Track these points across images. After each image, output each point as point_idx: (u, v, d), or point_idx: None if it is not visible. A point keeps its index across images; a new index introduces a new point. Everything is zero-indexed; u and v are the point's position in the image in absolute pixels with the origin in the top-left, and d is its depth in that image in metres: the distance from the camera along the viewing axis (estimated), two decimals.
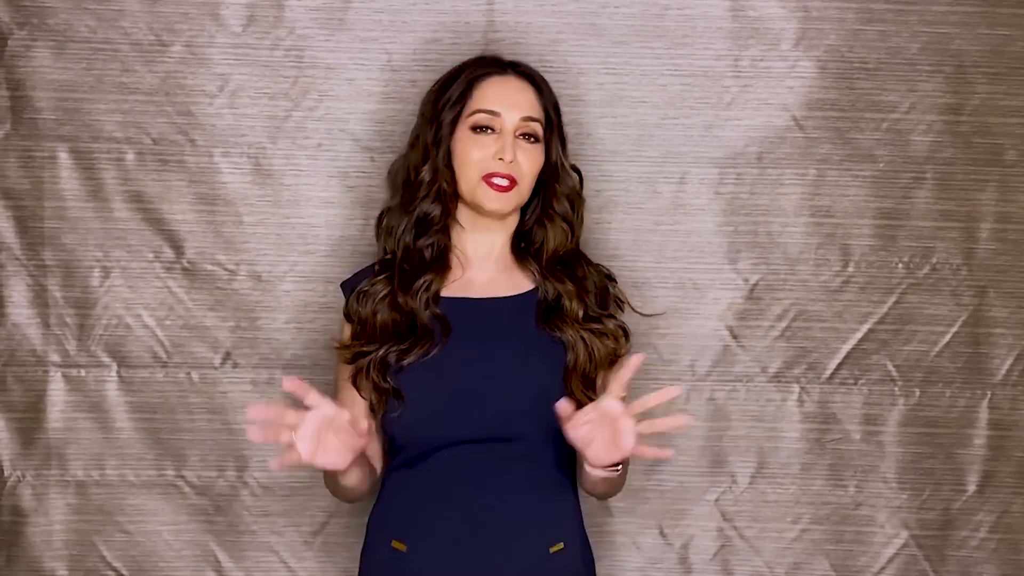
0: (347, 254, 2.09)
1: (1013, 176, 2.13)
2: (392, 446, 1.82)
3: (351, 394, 1.81)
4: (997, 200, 2.13)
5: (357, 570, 1.85)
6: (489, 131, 1.78)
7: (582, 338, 1.78)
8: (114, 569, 2.14)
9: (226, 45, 2.06)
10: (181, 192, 2.08)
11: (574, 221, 1.86)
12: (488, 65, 1.82)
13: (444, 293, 1.82)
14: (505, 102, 1.78)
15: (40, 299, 2.10)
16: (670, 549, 2.17)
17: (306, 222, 2.09)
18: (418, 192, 1.82)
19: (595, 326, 1.80)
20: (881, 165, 2.12)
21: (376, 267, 1.86)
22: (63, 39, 2.05)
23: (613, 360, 1.82)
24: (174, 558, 2.14)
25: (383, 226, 1.88)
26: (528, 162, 1.79)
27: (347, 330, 1.85)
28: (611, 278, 1.89)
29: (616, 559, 2.17)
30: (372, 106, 2.07)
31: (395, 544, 1.76)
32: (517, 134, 1.78)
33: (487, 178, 1.77)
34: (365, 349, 1.78)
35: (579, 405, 1.75)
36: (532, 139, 1.80)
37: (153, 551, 2.14)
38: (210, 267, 2.10)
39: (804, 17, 2.08)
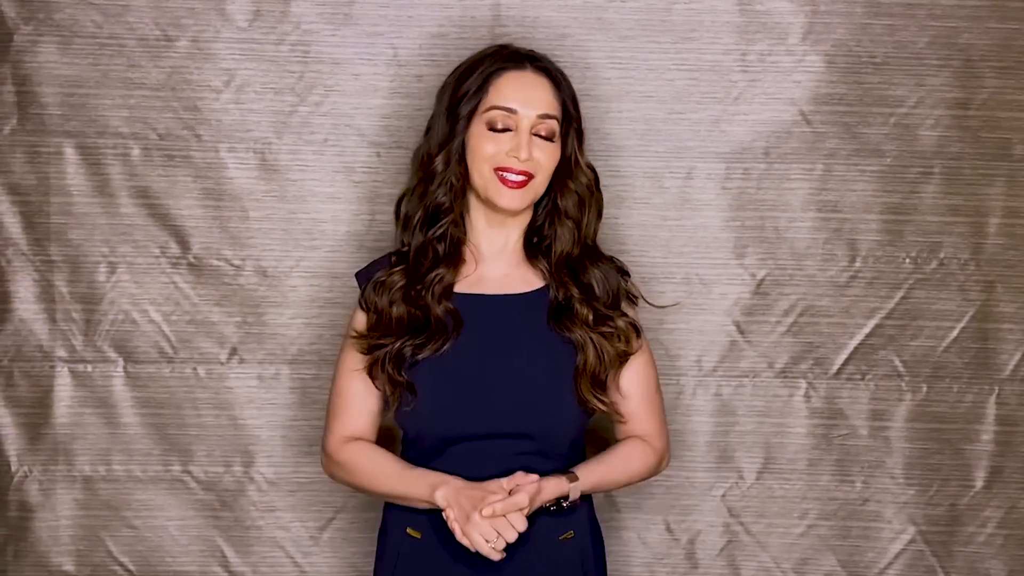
0: (353, 249, 2.09)
1: (1021, 171, 2.12)
2: (405, 439, 1.84)
3: (356, 384, 1.82)
4: (1005, 195, 2.12)
5: (365, 562, 1.87)
6: (505, 129, 1.77)
7: (591, 339, 1.78)
8: (121, 564, 2.14)
9: (232, 40, 2.05)
10: (187, 187, 2.08)
11: (582, 221, 1.85)
12: (506, 59, 1.80)
13: (457, 288, 1.82)
14: (521, 99, 1.76)
15: (47, 294, 2.10)
16: (676, 544, 2.18)
17: (312, 217, 2.09)
18: (432, 182, 1.82)
19: (605, 328, 1.80)
20: (889, 160, 2.11)
21: (392, 258, 1.86)
22: (69, 34, 2.05)
23: (623, 359, 1.82)
24: (181, 553, 2.15)
25: (401, 214, 1.87)
26: (544, 157, 1.78)
27: (360, 318, 1.85)
28: (625, 272, 1.89)
29: (622, 554, 2.17)
30: (378, 101, 2.07)
31: (410, 531, 1.79)
32: (533, 131, 1.77)
33: (500, 173, 1.76)
34: (381, 342, 1.78)
35: (588, 405, 1.78)
36: (548, 136, 1.79)
37: (160, 546, 2.14)
38: (216, 262, 2.10)
39: (812, 11, 2.07)
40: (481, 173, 1.78)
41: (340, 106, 2.07)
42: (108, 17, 2.04)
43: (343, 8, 2.05)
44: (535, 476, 1.70)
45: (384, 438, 1.88)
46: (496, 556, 1.66)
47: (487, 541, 1.65)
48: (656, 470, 1.89)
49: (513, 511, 1.66)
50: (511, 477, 1.70)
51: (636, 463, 1.85)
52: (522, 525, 1.66)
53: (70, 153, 2.07)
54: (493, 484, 1.69)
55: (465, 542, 1.66)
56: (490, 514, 1.64)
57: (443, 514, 1.69)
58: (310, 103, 2.07)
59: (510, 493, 1.67)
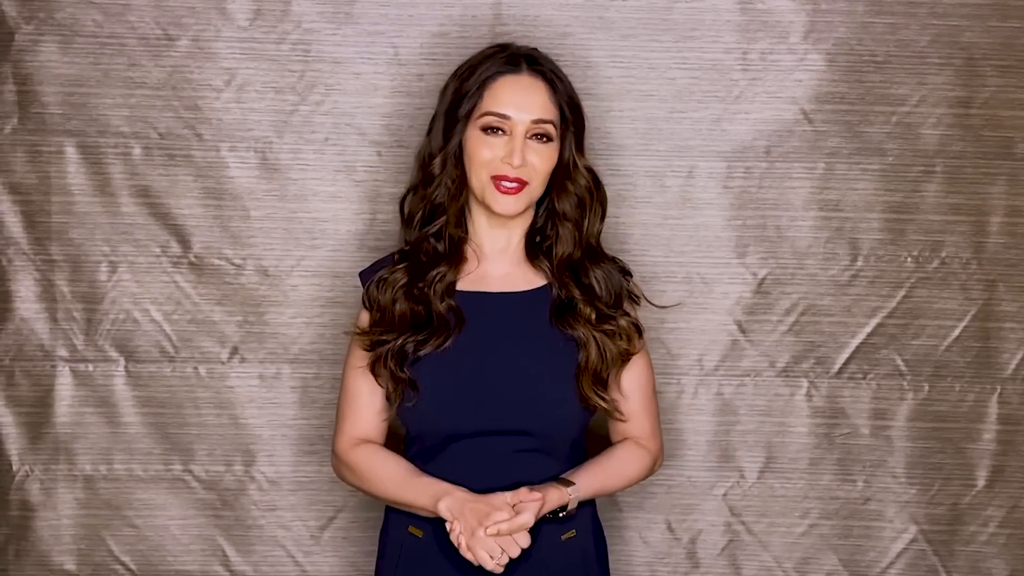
0: (354, 248, 2.09)
1: (1023, 169, 2.11)
2: (407, 436, 1.84)
3: (362, 382, 1.82)
4: (1007, 194, 2.12)
5: (367, 561, 1.87)
6: (500, 132, 1.77)
7: (594, 337, 1.78)
8: (122, 563, 2.14)
9: (233, 39, 2.05)
10: (188, 186, 2.08)
11: (582, 222, 1.84)
12: (503, 62, 1.79)
13: (460, 286, 1.82)
14: (516, 104, 1.76)
15: (48, 294, 2.10)
16: (678, 544, 2.17)
17: (313, 216, 2.09)
18: (430, 182, 1.82)
19: (608, 326, 1.80)
20: (890, 159, 2.11)
21: (396, 256, 1.86)
22: (70, 33, 2.05)
23: (625, 358, 1.82)
24: (182, 552, 2.15)
25: (405, 212, 1.88)
26: (540, 161, 1.78)
27: (364, 317, 1.85)
28: (627, 272, 1.89)
29: (624, 553, 2.17)
30: (379, 100, 2.07)
31: (411, 529, 1.80)
32: (528, 135, 1.77)
33: (495, 180, 1.77)
34: (384, 338, 1.79)
35: (589, 402, 1.78)
36: (544, 139, 1.78)
37: (161, 545, 2.14)
38: (217, 261, 2.10)
39: (813, 10, 2.07)
40: (478, 177, 1.78)
41: (341, 105, 2.07)
42: (109, 16, 2.04)
43: (344, 7, 2.05)
44: (538, 494, 1.70)
45: (389, 437, 1.88)
46: (499, 571, 1.67)
47: (492, 557, 1.66)
48: (650, 472, 1.90)
49: (518, 530, 1.67)
50: (515, 492, 1.69)
51: (633, 467, 1.85)
52: (526, 542, 1.67)
53: (71, 152, 2.07)
54: (497, 499, 1.69)
55: (469, 556, 1.67)
56: (495, 533, 1.65)
57: (447, 526, 1.69)
58: (311, 102, 2.07)
59: (514, 508, 1.68)
